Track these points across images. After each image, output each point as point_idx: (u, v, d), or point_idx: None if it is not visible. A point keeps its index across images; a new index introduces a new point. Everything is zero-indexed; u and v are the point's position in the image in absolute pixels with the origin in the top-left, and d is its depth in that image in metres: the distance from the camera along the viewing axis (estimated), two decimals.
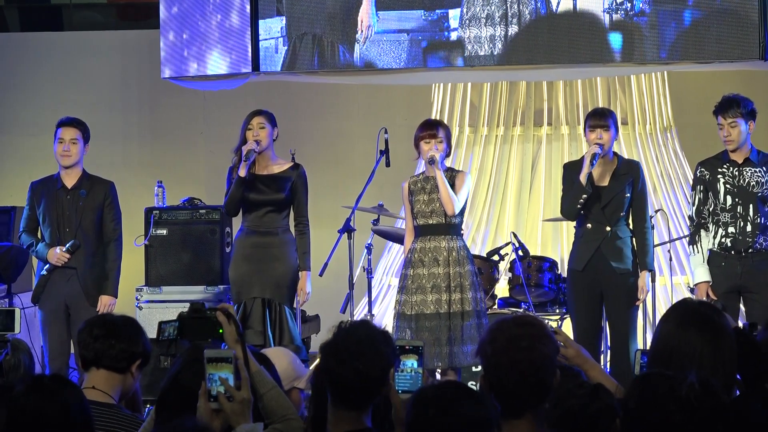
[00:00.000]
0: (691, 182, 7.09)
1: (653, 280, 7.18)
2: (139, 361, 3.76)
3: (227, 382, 3.19)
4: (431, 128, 6.76)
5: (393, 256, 9.35)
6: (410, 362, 3.55)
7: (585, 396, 3.13)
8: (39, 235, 7.08)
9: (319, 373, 3.33)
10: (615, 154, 6.83)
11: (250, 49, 8.78)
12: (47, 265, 6.98)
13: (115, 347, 3.70)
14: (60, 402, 3.10)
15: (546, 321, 7.84)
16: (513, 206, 9.21)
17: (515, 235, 8.09)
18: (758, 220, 6.65)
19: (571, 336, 6.79)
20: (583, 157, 6.76)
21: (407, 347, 3.57)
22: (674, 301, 8.42)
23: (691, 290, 7.08)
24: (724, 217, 6.68)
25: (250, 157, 6.85)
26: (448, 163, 6.92)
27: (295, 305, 7.01)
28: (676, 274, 8.60)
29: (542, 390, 3.02)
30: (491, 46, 8.52)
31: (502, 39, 8.51)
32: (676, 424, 2.81)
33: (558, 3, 8.44)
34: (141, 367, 3.78)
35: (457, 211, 6.69)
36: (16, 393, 3.12)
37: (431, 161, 6.64)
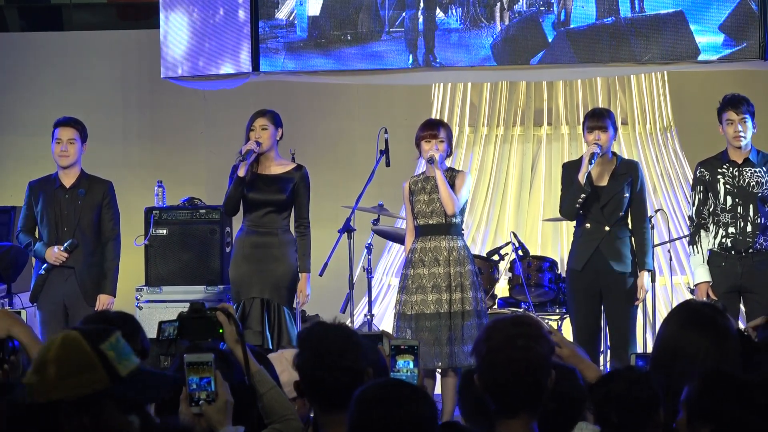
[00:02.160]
0: (691, 182, 7.09)
1: (653, 280, 7.18)
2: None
3: (212, 383, 3.17)
4: (432, 128, 6.77)
5: (393, 256, 9.35)
6: (406, 362, 3.54)
7: (633, 380, 3.16)
8: (36, 235, 7.08)
9: (301, 388, 3.33)
10: (614, 154, 6.83)
11: (250, 49, 8.79)
12: (45, 265, 6.98)
13: None
14: None
15: (546, 321, 7.84)
16: (513, 206, 9.21)
17: (515, 235, 8.09)
18: (758, 220, 6.64)
19: (571, 336, 6.79)
20: (582, 157, 6.76)
21: (403, 347, 3.56)
22: (674, 301, 8.45)
23: (691, 290, 7.08)
24: (724, 217, 6.68)
25: (248, 157, 6.85)
26: (448, 163, 6.92)
27: (295, 306, 7.00)
28: (676, 274, 8.60)
29: (537, 390, 3.02)
30: (492, 45, 8.53)
31: (503, 39, 8.52)
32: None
33: (558, 3, 8.44)
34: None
35: (456, 211, 6.69)
36: (19, 392, 3.11)
37: (431, 161, 6.64)
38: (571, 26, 8.41)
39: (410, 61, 8.68)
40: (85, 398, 2.43)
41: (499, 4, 8.49)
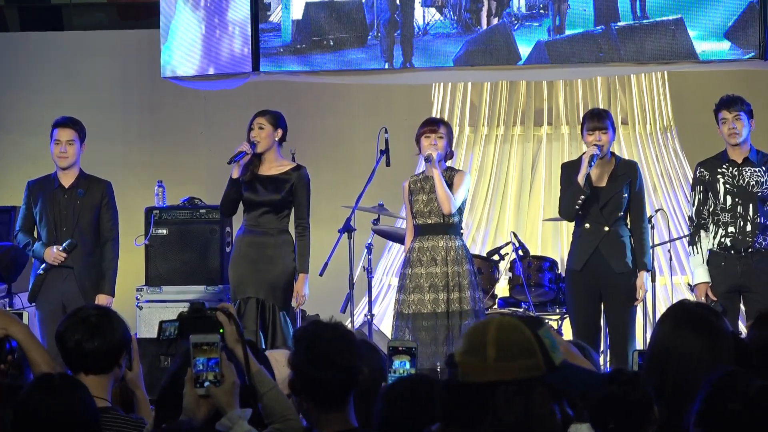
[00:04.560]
0: (690, 182, 7.10)
1: (652, 280, 7.17)
2: (123, 352, 3.69)
3: (219, 365, 3.14)
4: (432, 124, 6.80)
5: (393, 255, 9.35)
6: (402, 362, 3.53)
7: (625, 382, 3.16)
8: (35, 235, 7.08)
9: (295, 387, 3.33)
10: (613, 154, 6.83)
11: (250, 49, 8.79)
12: (44, 265, 6.98)
13: (100, 350, 3.60)
14: (69, 401, 3.08)
15: (546, 321, 7.84)
16: (513, 206, 9.21)
17: (515, 235, 8.10)
18: (758, 220, 6.65)
19: (571, 336, 6.80)
20: (581, 157, 6.76)
21: (400, 348, 3.56)
22: (674, 301, 8.44)
23: (691, 289, 7.08)
24: (724, 217, 6.68)
25: (239, 158, 6.85)
26: (448, 164, 6.93)
27: (293, 306, 7.00)
28: (676, 274, 8.60)
29: None
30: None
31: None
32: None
33: (553, 7, 8.44)
34: (126, 355, 3.71)
35: (453, 210, 6.70)
36: (24, 393, 3.10)
37: (428, 159, 6.65)
38: (559, 35, 8.41)
39: (386, 67, 8.71)
40: (522, 382, 2.45)
41: (485, 8, 8.49)
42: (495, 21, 8.47)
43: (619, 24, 8.31)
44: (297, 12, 8.81)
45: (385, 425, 2.92)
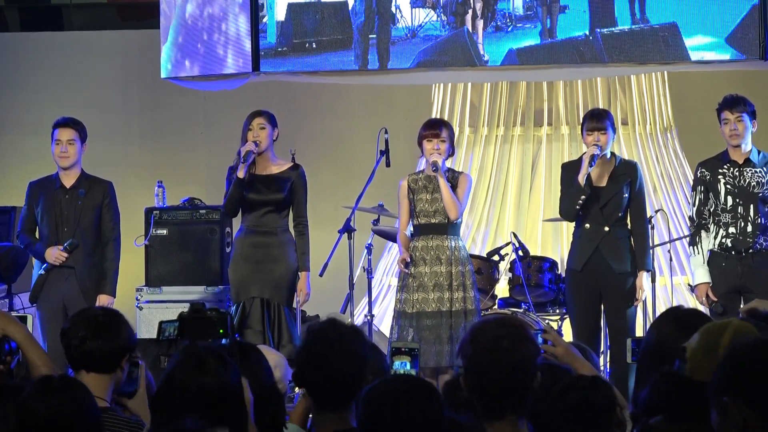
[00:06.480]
0: (691, 182, 7.10)
1: (652, 280, 7.18)
2: (127, 356, 3.70)
3: None
4: (434, 128, 6.79)
5: (393, 256, 9.34)
6: (402, 363, 3.53)
7: (586, 388, 3.14)
8: (37, 235, 7.08)
9: (298, 379, 3.34)
10: (613, 154, 6.83)
11: (250, 49, 8.79)
12: (45, 265, 6.98)
13: (103, 349, 3.61)
14: (69, 403, 3.09)
15: (546, 321, 7.84)
16: (513, 206, 9.21)
17: (515, 236, 8.09)
18: (759, 221, 6.65)
19: (571, 336, 6.80)
20: (581, 158, 6.77)
21: (403, 349, 3.56)
22: (674, 301, 8.43)
23: (692, 289, 7.09)
24: (725, 217, 6.69)
25: (248, 158, 6.86)
26: (449, 163, 6.94)
27: (295, 305, 7.02)
28: (676, 274, 8.60)
29: (522, 391, 3.02)
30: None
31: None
32: None
33: (542, 10, 8.43)
34: (129, 359, 3.72)
35: (459, 215, 6.76)
36: (26, 395, 3.10)
37: (434, 168, 6.67)
38: (550, 39, 8.40)
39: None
40: None
41: (471, 11, 8.48)
42: (481, 24, 8.46)
43: (605, 30, 8.29)
44: (280, 13, 8.80)
45: (364, 429, 2.91)
